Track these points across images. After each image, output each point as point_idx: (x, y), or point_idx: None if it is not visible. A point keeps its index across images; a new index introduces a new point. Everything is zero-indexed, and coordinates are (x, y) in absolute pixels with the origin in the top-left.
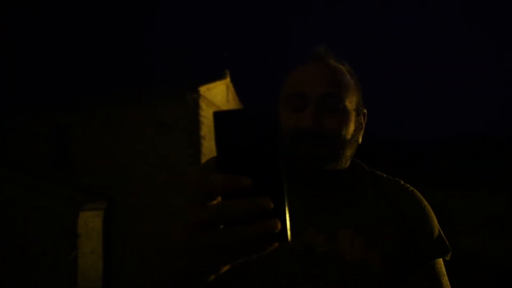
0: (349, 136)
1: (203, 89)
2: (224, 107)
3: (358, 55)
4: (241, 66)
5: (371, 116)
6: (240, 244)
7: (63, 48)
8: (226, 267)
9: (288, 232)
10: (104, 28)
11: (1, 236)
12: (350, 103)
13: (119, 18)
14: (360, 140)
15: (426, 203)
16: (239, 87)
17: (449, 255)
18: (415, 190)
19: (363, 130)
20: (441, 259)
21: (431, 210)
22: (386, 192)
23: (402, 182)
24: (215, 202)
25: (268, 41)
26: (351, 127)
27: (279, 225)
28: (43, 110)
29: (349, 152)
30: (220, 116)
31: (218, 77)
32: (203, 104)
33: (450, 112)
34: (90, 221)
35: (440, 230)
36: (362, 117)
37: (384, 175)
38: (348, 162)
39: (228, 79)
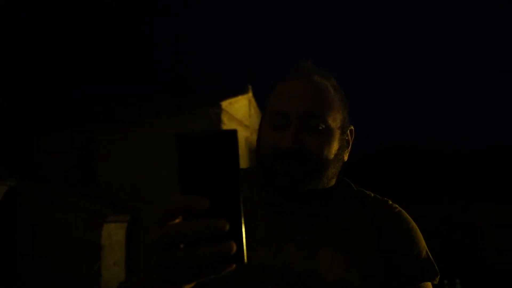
0: (332, 156)
1: (225, 104)
2: (246, 121)
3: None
4: (264, 80)
5: (398, 127)
6: (196, 265)
7: (87, 64)
8: (187, 286)
9: (245, 254)
10: (131, 41)
11: (27, 247)
12: (334, 121)
13: (146, 31)
14: (345, 158)
15: (413, 224)
16: (261, 102)
17: (437, 279)
18: (402, 211)
19: (349, 147)
20: (429, 283)
21: (418, 231)
22: (371, 211)
23: (390, 202)
24: (176, 221)
25: (291, 55)
26: (334, 146)
27: (235, 248)
28: (69, 125)
29: (331, 171)
30: (181, 138)
31: (241, 91)
32: (225, 119)
33: (481, 123)
34: (114, 233)
35: (429, 252)
36: (349, 134)
37: (372, 194)
38: (333, 180)
39: (250, 94)
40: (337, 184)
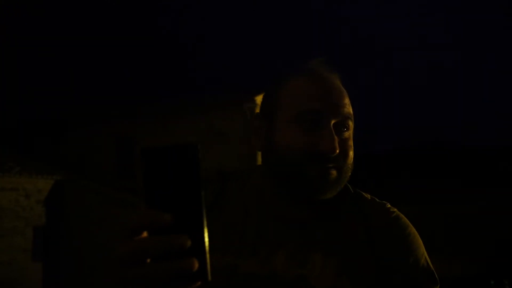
0: (352, 160)
1: (259, 99)
2: None
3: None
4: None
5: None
6: (158, 281)
7: (122, 61)
8: None
9: (208, 271)
10: (165, 37)
11: (72, 239)
12: (353, 121)
13: (179, 28)
14: None
15: (411, 230)
16: None
17: None
18: (400, 215)
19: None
20: None
21: (417, 237)
22: (366, 215)
23: (388, 206)
24: (143, 236)
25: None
26: (353, 148)
27: (196, 264)
28: (110, 122)
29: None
30: (147, 152)
31: None
32: None
33: None
34: None
35: (428, 260)
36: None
37: (369, 197)
38: None
39: None
40: None
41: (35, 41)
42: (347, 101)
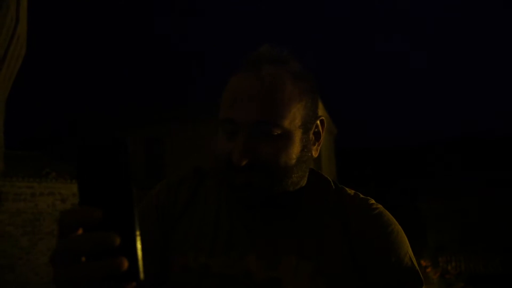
0: (293, 161)
1: None
2: None
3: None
4: (330, 79)
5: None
6: (87, 280)
7: (151, 66)
8: None
9: (140, 270)
10: (191, 43)
11: None
12: (292, 122)
13: (205, 31)
14: (315, 153)
15: (394, 227)
16: (327, 99)
17: None
18: (384, 212)
19: (320, 140)
20: None
21: (400, 235)
22: (346, 213)
23: (371, 202)
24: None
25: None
26: (295, 150)
27: (125, 264)
28: (139, 125)
29: (295, 176)
30: (81, 149)
31: None
32: None
33: None
34: None
35: (413, 259)
36: (319, 125)
37: (352, 193)
38: (303, 180)
39: None
40: (311, 184)
41: (72, 49)
42: (279, 105)
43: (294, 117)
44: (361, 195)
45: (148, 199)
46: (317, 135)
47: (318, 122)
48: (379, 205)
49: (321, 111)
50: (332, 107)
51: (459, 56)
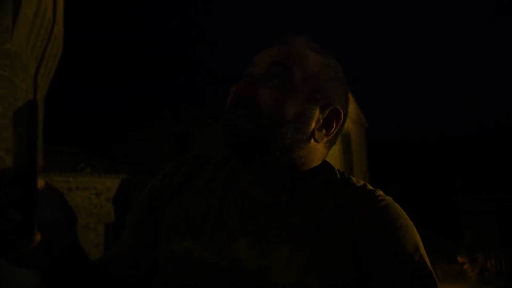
0: (288, 116)
1: None
2: None
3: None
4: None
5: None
6: None
7: (184, 65)
8: None
9: (34, 226)
10: (222, 42)
11: None
12: (304, 80)
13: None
14: (318, 138)
15: (403, 221)
16: (359, 94)
17: None
18: (392, 204)
19: (331, 131)
20: None
21: (410, 230)
22: (349, 204)
23: (379, 193)
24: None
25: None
26: (295, 106)
27: (18, 217)
28: (172, 122)
29: (285, 137)
30: (17, 112)
31: None
32: None
33: None
34: None
35: (425, 257)
36: (334, 115)
37: (359, 183)
38: (287, 154)
39: None
40: (314, 169)
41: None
42: (298, 58)
43: (306, 75)
44: (369, 186)
45: (147, 186)
46: (327, 122)
47: (335, 110)
48: (388, 197)
49: (351, 104)
50: (362, 101)
51: (496, 49)
